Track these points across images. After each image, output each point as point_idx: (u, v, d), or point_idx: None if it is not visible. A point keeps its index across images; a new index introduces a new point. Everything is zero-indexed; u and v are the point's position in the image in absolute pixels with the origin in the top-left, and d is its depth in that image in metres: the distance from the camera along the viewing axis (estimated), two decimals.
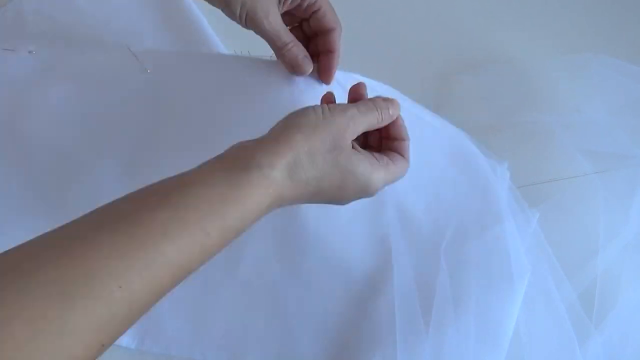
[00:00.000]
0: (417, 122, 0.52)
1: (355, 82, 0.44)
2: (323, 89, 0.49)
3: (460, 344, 0.48)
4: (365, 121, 0.40)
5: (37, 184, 0.56)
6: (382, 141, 0.45)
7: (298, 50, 0.47)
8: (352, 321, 0.52)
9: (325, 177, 0.38)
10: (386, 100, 0.42)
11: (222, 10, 0.46)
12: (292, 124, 0.38)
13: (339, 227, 0.52)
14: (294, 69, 0.48)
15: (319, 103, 0.42)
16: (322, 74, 0.49)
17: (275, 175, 0.35)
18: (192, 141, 0.52)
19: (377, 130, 0.43)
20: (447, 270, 0.50)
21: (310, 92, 0.49)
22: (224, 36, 0.67)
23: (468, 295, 0.49)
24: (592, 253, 0.54)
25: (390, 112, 0.42)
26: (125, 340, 0.52)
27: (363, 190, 0.40)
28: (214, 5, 0.46)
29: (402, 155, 0.43)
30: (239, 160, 0.35)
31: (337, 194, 0.40)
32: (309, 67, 0.48)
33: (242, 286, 0.53)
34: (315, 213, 0.51)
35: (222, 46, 0.66)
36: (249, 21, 0.45)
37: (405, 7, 0.72)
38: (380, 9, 0.71)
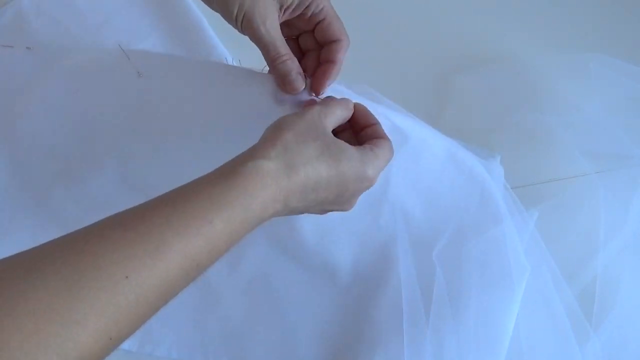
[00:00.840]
0: (412, 129, 0.52)
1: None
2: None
3: (460, 345, 0.48)
4: (334, 110, 0.42)
5: (31, 182, 0.56)
6: (357, 140, 0.45)
7: (292, 64, 0.44)
8: (352, 323, 0.52)
9: (321, 163, 0.38)
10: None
11: (220, 12, 0.44)
12: (277, 125, 0.40)
13: (340, 228, 0.52)
14: (284, 84, 0.45)
15: None
16: (314, 82, 0.45)
17: (269, 165, 0.36)
18: (182, 144, 0.52)
19: (348, 131, 0.45)
20: (442, 272, 0.50)
21: (300, 107, 0.46)
22: (224, 37, 0.67)
23: (468, 296, 0.50)
24: (591, 253, 0.55)
25: (349, 104, 0.44)
26: (126, 343, 0.52)
27: (360, 175, 0.40)
28: (212, 8, 0.44)
29: (382, 137, 0.43)
30: (234, 160, 0.36)
31: (339, 185, 0.39)
32: (301, 85, 0.45)
33: (242, 289, 0.53)
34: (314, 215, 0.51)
35: (222, 47, 0.66)
36: (245, 24, 0.42)
37: (405, 7, 0.72)
38: (379, 9, 0.71)
